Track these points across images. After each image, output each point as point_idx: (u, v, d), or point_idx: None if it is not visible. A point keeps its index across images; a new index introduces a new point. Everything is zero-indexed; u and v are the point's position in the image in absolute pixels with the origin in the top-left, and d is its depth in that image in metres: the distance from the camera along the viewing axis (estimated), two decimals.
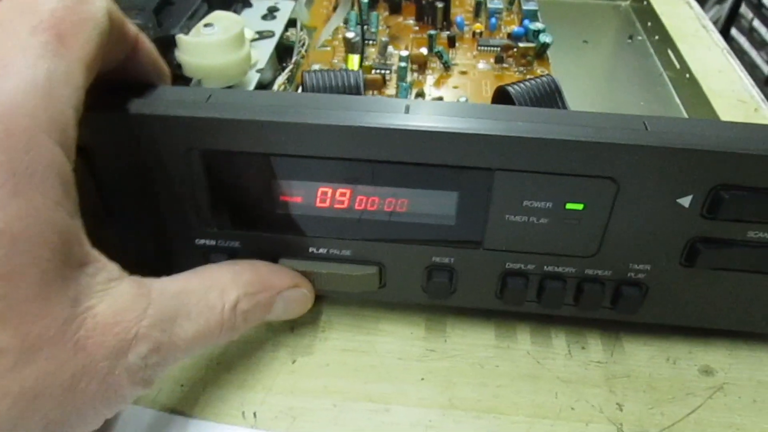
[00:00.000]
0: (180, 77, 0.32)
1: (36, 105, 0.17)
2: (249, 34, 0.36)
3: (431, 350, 0.28)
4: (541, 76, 0.30)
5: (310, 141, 0.23)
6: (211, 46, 0.31)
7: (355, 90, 0.29)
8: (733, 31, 2.00)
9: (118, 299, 0.19)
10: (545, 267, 0.26)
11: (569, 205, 0.24)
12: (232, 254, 0.26)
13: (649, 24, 0.49)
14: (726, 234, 0.24)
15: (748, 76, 0.47)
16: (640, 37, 0.48)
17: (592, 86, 0.43)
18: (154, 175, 0.24)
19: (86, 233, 0.20)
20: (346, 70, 0.29)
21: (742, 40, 1.96)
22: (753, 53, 1.91)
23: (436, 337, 0.28)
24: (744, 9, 1.97)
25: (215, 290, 0.23)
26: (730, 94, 0.44)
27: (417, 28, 0.44)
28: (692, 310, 0.27)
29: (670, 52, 0.45)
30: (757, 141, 0.22)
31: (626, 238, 0.24)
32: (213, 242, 0.26)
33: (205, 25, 0.31)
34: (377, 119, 0.22)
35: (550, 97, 0.30)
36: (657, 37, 0.47)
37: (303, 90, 0.29)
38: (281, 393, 0.26)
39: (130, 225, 0.26)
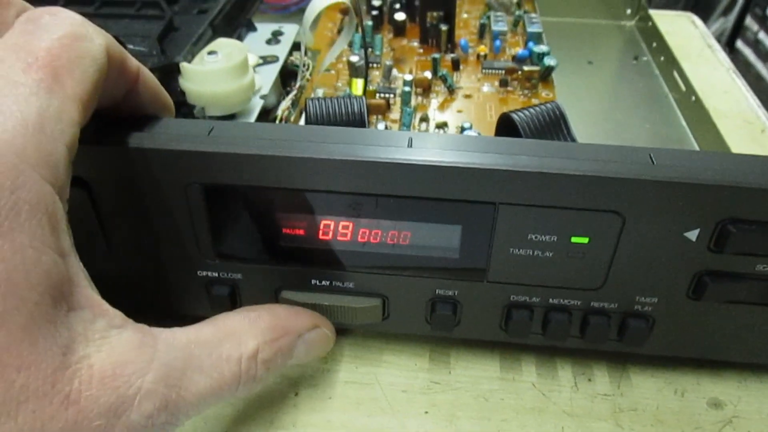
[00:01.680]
0: (184, 104, 0.32)
1: (25, 142, 0.16)
2: (252, 60, 0.36)
3: (435, 382, 0.27)
4: (546, 102, 0.30)
5: (313, 175, 0.23)
6: (214, 73, 0.30)
7: (358, 117, 0.29)
8: (739, 44, 2.00)
9: (119, 349, 0.18)
10: (550, 299, 0.25)
11: (574, 239, 0.23)
12: (233, 286, 0.26)
13: (654, 44, 0.48)
14: (733, 267, 0.23)
15: (754, 96, 0.47)
16: (645, 58, 0.48)
17: (598, 108, 0.42)
18: (156, 208, 0.24)
19: (87, 274, 0.19)
20: (349, 96, 0.29)
21: (748, 52, 1.96)
22: (759, 65, 1.90)
23: (440, 368, 0.28)
24: (750, 21, 1.96)
25: (231, 340, 0.21)
26: (736, 114, 0.44)
27: (421, 50, 0.44)
28: (700, 342, 0.26)
29: (675, 73, 0.45)
30: (763, 175, 0.21)
31: (632, 271, 0.24)
32: (215, 274, 0.26)
33: (209, 53, 0.31)
34: (380, 153, 0.22)
35: (555, 123, 0.30)
36: (662, 58, 0.47)
37: (306, 117, 0.29)
38: (283, 427, 0.26)
39: (132, 257, 0.26)
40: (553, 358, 0.28)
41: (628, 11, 0.52)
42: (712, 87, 0.47)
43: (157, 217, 0.24)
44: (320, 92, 0.39)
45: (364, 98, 0.29)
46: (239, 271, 0.26)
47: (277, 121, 0.35)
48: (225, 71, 0.31)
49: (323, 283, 0.26)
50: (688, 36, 0.54)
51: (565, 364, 0.28)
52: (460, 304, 0.26)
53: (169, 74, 0.32)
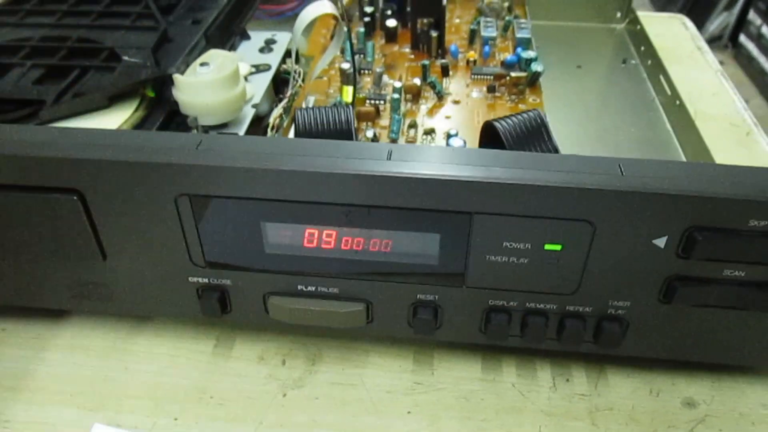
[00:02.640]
0: (177, 113, 0.33)
1: None
2: (245, 69, 0.37)
3: (418, 383, 0.28)
4: (528, 110, 0.31)
5: (297, 187, 0.24)
6: (206, 85, 0.31)
7: (345, 127, 0.30)
8: (742, 38, 1.99)
9: None
10: (527, 303, 0.26)
11: (548, 246, 0.24)
12: (223, 291, 0.27)
13: (643, 48, 0.49)
14: (701, 273, 0.24)
15: (742, 99, 0.47)
16: (634, 61, 0.49)
17: (584, 112, 0.43)
18: (147, 218, 0.25)
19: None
20: (338, 106, 0.30)
21: (751, 47, 1.95)
22: (762, 59, 1.90)
23: (423, 369, 0.29)
24: (753, 15, 1.96)
25: None
26: (723, 117, 0.45)
27: (412, 56, 0.45)
28: (673, 344, 0.27)
29: (661, 77, 0.46)
30: (727, 184, 0.22)
31: (605, 277, 0.25)
32: (205, 280, 0.27)
33: (201, 64, 0.32)
34: (360, 166, 0.23)
35: (536, 131, 0.31)
36: (650, 62, 0.48)
37: (295, 127, 0.30)
38: (271, 427, 0.27)
39: (126, 265, 0.27)
40: (532, 359, 0.29)
41: (618, 14, 0.53)
42: (699, 90, 0.47)
43: (149, 227, 0.26)
44: (312, 99, 0.40)
45: (351, 108, 0.30)
46: (228, 278, 0.27)
47: (269, 129, 0.36)
48: (217, 82, 0.32)
49: (309, 288, 0.27)
50: (678, 38, 0.55)
51: (545, 365, 0.29)
52: (440, 308, 0.27)
53: (162, 85, 0.33)
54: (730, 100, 0.47)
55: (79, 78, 0.33)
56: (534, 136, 0.30)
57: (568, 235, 0.24)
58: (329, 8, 0.35)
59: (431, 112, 0.40)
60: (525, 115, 0.31)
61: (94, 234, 0.26)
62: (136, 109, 0.33)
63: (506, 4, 0.51)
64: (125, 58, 0.34)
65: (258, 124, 0.37)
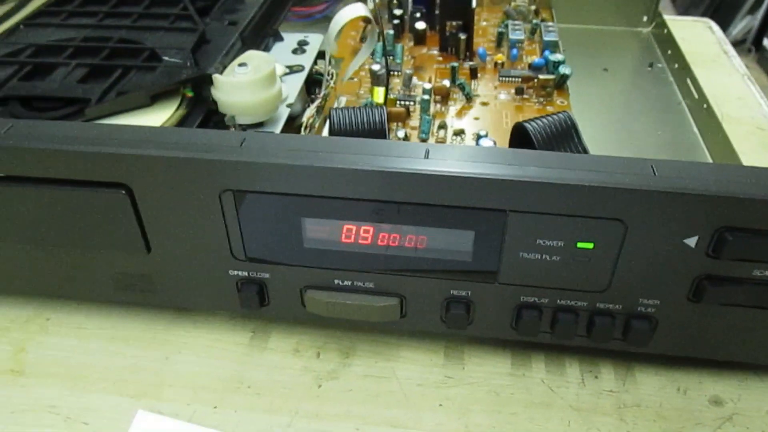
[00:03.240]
0: (216, 112, 0.34)
1: None
2: (280, 70, 0.38)
3: (449, 377, 0.29)
4: (558, 112, 0.31)
5: (336, 183, 0.24)
6: (244, 85, 0.32)
7: (379, 127, 0.31)
8: (766, 42, 1.98)
9: None
10: (558, 300, 0.27)
11: (580, 244, 0.25)
12: (262, 285, 0.28)
13: (669, 52, 0.49)
14: (731, 272, 0.25)
15: None
16: (660, 65, 0.49)
17: (611, 115, 0.44)
18: (192, 212, 0.26)
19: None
20: (371, 106, 0.31)
21: None
22: None
23: (454, 364, 0.30)
24: None
25: None
26: (749, 121, 0.45)
27: (441, 58, 0.46)
28: (701, 343, 0.28)
29: (688, 80, 0.46)
30: (756, 186, 0.23)
31: (635, 275, 0.26)
32: (245, 273, 0.28)
33: (239, 65, 0.33)
34: (399, 164, 0.24)
35: (566, 133, 0.31)
36: (676, 65, 0.48)
37: (330, 126, 0.31)
38: (307, 417, 0.28)
39: (170, 257, 0.28)
40: (561, 355, 0.30)
41: (644, 18, 0.53)
42: (726, 94, 0.48)
43: (193, 221, 0.27)
44: (343, 100, 0.41)
45: (384, 108, 0.31)
46: (267, 271, 0.28)
47: (302, 129, 0.37)
48: (254, 83, 0.33)
49: (345, 283, 0.28)
50: (704, 42, 0.55)
51: (573, 361, 0.30)
52: (473, 304, 0.28)
53: (201, 85, 0.34)
54: (757, 104, 0.47)
55: (122, 77, 0.34)
56: (564, 137, 0.31)
57: (599, 233, 0.24)
58: (363, 11, 0.36)
59: (460, 114, 0.41)
60: (555, 117, 0.32)
61: (140, 228, 0.27)
62: (177, 108, 0.34)
63: (533, 8, 0.52)
64: (165, 58, 0.35)
65: (291, 124, 0.38)
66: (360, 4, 0.36)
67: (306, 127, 0.38)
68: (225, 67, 0.35)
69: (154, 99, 0.33)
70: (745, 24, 1.98)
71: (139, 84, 0.34)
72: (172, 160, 0.25)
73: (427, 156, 0.24)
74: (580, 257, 0.25)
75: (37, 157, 0.25)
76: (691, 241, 0.24)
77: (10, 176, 0.26)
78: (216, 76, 0.33)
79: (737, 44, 2.01)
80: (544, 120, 0.31)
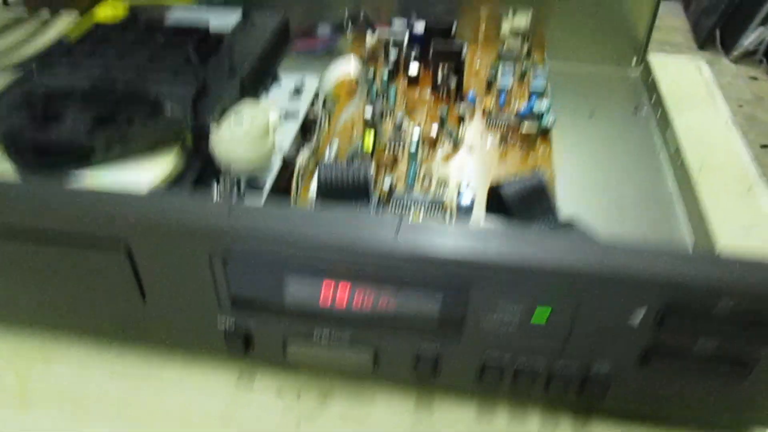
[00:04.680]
0: (213, 161, 0.37)
1: None
2: (275, 117, 0.40)
3: (419, 422, 0.32)
4: (530, 176, 0.34)
5: (314, 253, 0.27)
6: (239, 140, 0.35)
7: (363, 184, 0.34)
8: None
9: None
10: (518, 360, 0.29)
11: (535, 318, 0.27)
12: (247, 334, 0.31)
13: (654, 97, 0.51)
14: (674, 344, 0.27)
15: (749, 151, 0.49)
16: (645, 109, 0.51)
17: (592, 163, 0.46)
18: (183, 270, 0.29)
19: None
20: (357, 164, 0.34)
21: None
22: None
23: (424, 410, 0.32)
24: None
25: None
26: (727, 170, 0.47)
27: (433, 98, 0.48)
28: (652, 403, 0.30)
29: (667, 132, 0.48)
30: (696, 272, 0.25)
31: (588, 342, 0.28)
32: (232, 324, 0.31)
33: (235, 117, 0.36)
34: (369, 243, 0.26)
35: (538, 194, 0.34)
36: (660, 112, 0.50)
37: (318, 180, 0.33)
38: None
39: (163, 307, 0.31)
40: (524, 405, 0.32)
41: (634, 60, 0.55)
42: (708, 140, 0.49)
43: (185, 277, 0.29)
44: (336, 143, 0.43)
45: (369, 165, 0.34)
46: (252, 323, 0.30)
47: (295, 173, 0.39)
48: (249, 137, 0.35)
49: (323, 335, 0.30)
50: (692, 83, 0.57)
51: (535, 411, 0.32)
52: (440, 359, 0.30)
53: (201, 137, 0.36)
54: (737, 152, 0.49)
55: (127, 126, 0.37)
56: (535, 198, 0.33)
57: (554, 306, 0.27)
58: (352, 72, 0.38)
59: (446, 159, 0.43)
60: (527, 180, 0.34)
61: (136, 280, 0.30)
62: (177, 156, 0.36)
63: (525, 48, 0.54)
64: (168, 108, 0.37)
65: (286, 168, 0.40)
66: (350, 63, 0.38)
67: (299, 173, 0.40)
68: (222, 114, 0.37)
69: (155, 148, 0.36)
70: (757, 35, 1.98)
71: (142, 134, 0.36)
72: (167, 226, 0.27)
73: (397, 232, 0.27)
74: (536, 327, 0.27)
75: (46, 218, 0.28)
76: (637, 317, 0.26)
77: (20, 231, 0.29)
78: (213, 130, 0.35)
79: (748, 55, 2.01)
80: (516, 184, 0.34)
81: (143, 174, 0.35)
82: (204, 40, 0.45)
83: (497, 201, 0.34)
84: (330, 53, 0.57)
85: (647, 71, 0.54)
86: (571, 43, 0.55)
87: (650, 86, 0.52)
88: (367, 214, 0.28)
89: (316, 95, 0.45)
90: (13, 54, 0.60)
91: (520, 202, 0.34)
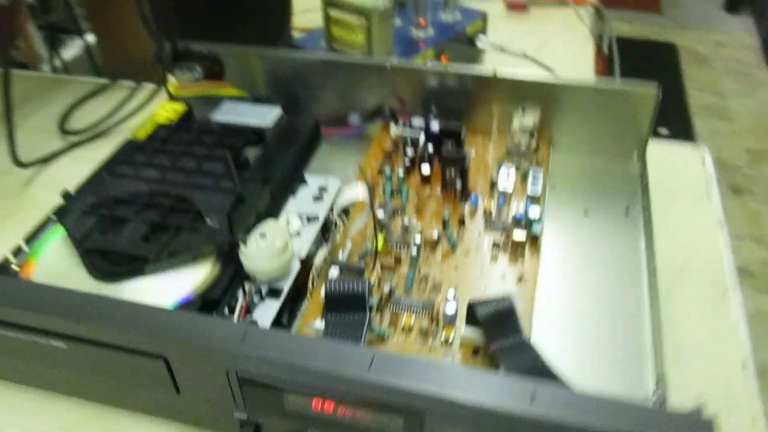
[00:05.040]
0: (242, 268, 0.44)
1: None
2: (296, 224, 0.48)
3: None
4: (504, 298, 0.40)
5: (307, 377, 0.34)
6: (262, 256, 0.42)
7: (360, 297, 0.41)
8: None
9: None
10: None
11: None
12: (257, 426, 0.38)
13: (645, 198, 0.56)
14: None
15: (731, 255, 0.54)
16: (637, 208, 0.56)
17: (576, 268, 0.51)
18: (207, 377, 0.37)
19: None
20: (357, 281, 0.41)
21: None
22: None
23: None
24: None
25: None
26: (705, 274, 0.52)
27: (442, 196, 0.55)
28: None
29: (651, 240, 0.52)
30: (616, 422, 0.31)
31: None
32: (245, 417, 0.38)
33: (261, 235, 0.43)
34: (347, 372, 0.33)
35: (506, 316, 0.40)
36: (647, 214, 0.54)
37: (325, 291, 0.41)
38: None
39: (193, 397, 0.39)
40: None
41: (635, 156, 0.60)
42: (694, 241, 0.54)
43: (211, 381, 0.37)
44: (348, 246, 0.50)
45: (367, 282, 0.41)
46: (261, 418, 0.38)
47: (311, 273, 0.47)
48: (270, 254, 0.43)
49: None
50: (691, 177, 0.61)
51: None
52: None
53: (232, 249, 0.44)
54: (719, 256, 0.53)
55: (175, 235, 0.45)
56: (505, 318, 0.40)
57: None
58: (361, 196, 0.45)
59: (445, 258, 0.49)
60: (499, 302, 0.41)
61: (172, 379, 0.38)
62: (214, 264, 0.44)
63: (533, 142, 0.59)
64: (208, 221, 0.46)
65: (305, 265, 0.48)
66: (359, 189, 0.45)
67: (317, 272, 0.47)
68: (253, 228, 0.45)
69: (196, 257, 0.44)
70: None
71: (186, 244, 0.44)
72: (194, 347, 0.35)
73: (371, 366, 0.34)
74: None
75: (104, 331, 0.36)
76: None
77: (81, 338, 0.37)
78: (241, 246, 0.43)
79: None
80: (490, 305, 0.41)
81: (185, 279, 0.43)
82: (246, 142, 0.53)
83: (474, 316, 0.41)
84: (360, 138, 0.64)
85: (644, 169, 0.58)
86: (576, 138, 0.60)
87: (644, 186, 0.57)
88: (350, 347, 0.35)
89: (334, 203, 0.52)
90: (102, 124, 0.70)
91: (491, 322, 0.41)
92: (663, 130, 2.67)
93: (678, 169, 0.62)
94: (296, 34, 0.98)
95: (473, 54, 0.93)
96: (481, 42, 0.90)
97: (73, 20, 1.04)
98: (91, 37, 1.07)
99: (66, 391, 0.44)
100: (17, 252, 0.48)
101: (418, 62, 0.73)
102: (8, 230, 0.56)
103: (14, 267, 0.45)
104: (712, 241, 0.55)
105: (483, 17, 0.91)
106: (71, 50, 1.14)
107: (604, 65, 1.17)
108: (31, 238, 0.49)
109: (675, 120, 2.75)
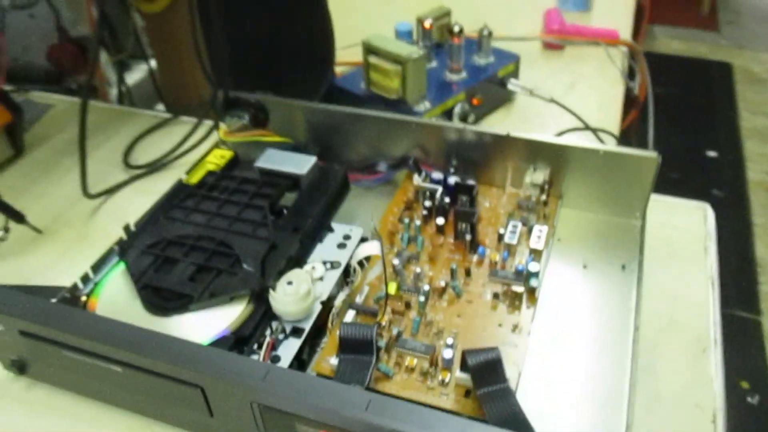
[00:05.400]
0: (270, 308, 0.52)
1: None
2: (320, 270, 0.55)
3: None
4: (492, 349, 0.47)
5: (317, 415, 0.41)
6: (288, 302, 0.50)
7: (369, 340, 0.48)
8: None
9: None
10: None
11: None
12: None
13: (641, 256, 0.61)
14: None
15: (719, 310, 0.58)
16: (633, 266, 0.61)
17: (573, 316, 0.56)
18: (237, 405, 0.44)
19: None
20: (368, 327, 0.48)
21: None
22: None
23: None
24: None
25: None
26: (690, 329, 0.56)
27: (454, 246, 0.61)
28: None
29: (639, 296, 0.57)
30: None
31: None
32: None
33: (288, 283, 0.51)
34: (348, 412, 0.40)
35: (493, 366, 0.47)
36: (641, 271, 0.59)
37: (339, 336, 0.48)
38: None
39: (223, 421, 0.46)
40: None
41: (637, 213, 0.65)
42: (684, 297, 0.59)
43: (239, 408, 0.44)
44: (366, 289, 0.56)
45: (375, 327, 0.48)
46: None
47: (331, 314, 0.54)
48: (295, 298, 0.50)
49: None
50: (690, 234, 0.65)
51: None
52: None
53: (263, 292, 0.52)
54: (707, 311, 0.58)
55: (216, 277, 0.53)
56: (491, 367, 0.46)
57: None
58: (377, 252, 0.52)
59: (450, 305, 0.56)
60: (488, 353, 0.47)
61: (207, 406, 0.45)
62: (247, 304, 0.52)
63: (543, 196, 0.65)
64: (245, 265, 0.53)
65: (326, 306, 0.55)
66: (375, 247, 0.52)
67: (336, 313, 0.54)
68: (281, 274, 0.52)
69: (233, 298, 0.52)
70: None
71: (225, 287, 0.52)
72: (226, 380, 0.43)
73: (367, 408, 0.40)
74: None
75: (152, 363, 0.44)
76: None
77: (133, 365, 0.45)
78: (271, 291, 0.50)
79: None
80: (479, 355, 0.47)
81: (222, 317, 0.50)
82: (283, 191, 0.60)
83: (466, 363, 0.47)
84: (387, 183, 0.71)
85: (643, 227, 0.63)
86: (584, 195, 0.65)
87: (642, 243, 0.62)
88: (351, 390, 0.42)
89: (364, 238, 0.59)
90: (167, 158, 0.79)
91: (479, 369, 0.47)
92: (711, 153, 2.66)
93: (679, 224, 0.66)
94: (339, 69, 1.06)
95: (504, 95, 0.98)
96: (512, 84, 0.96)
97: (140, 47, 1.14)
98: (154, 63, 1.17)
99: (119, 405, 0.52)
100: (85, 279, 0.56)
101: (440, 120, 0.80)
102: (77, 257, 0.65)
103: (82, 297, 0.54)
104: (703, 296, 0.59)
105: (515, 61, 0.97)
106: (136, 74, 1.25)
107: (638, 104, 1.21)
108: (97, 267, 0.58)
109: (725, 142, 2.72)
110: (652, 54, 3.18)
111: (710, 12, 3.52)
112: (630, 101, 1.16)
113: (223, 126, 0.71)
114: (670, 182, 2.54)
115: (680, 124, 2.83)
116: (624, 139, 1.36)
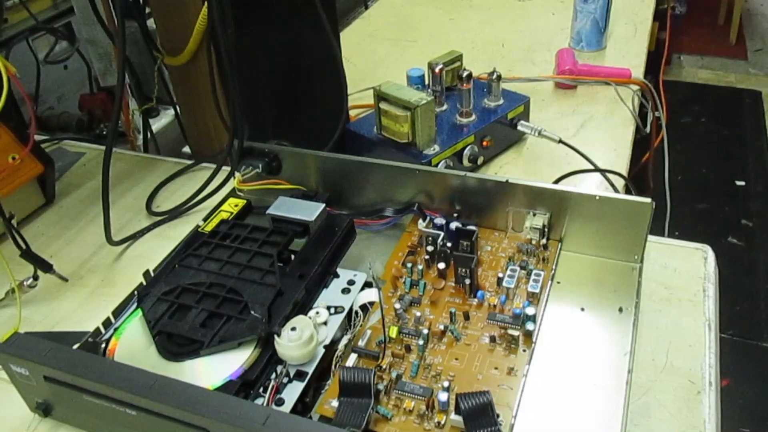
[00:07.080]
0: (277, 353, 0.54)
1: None
2: (324, 315, 0.58)
3: None
4: (484, 393, 0.49)
5: None
6: (292, 347, 0.53)
7: (367, 384, 0.50)
8: None
9: None
10: None
11: None
12: None
13: (637, 300, 0.62)
14: None
15: (712, 356, 0.59)
16: (629, 309, 0.62)
17: (568, 358, 0.58)
18: None
19: None
20: (365, 371, 0.50)
21: None
22: None
23: None
24: None
25: None
26: (686, 371, 0.58)
27: (454, 290, 0.63)
28: None
29: (634, 340, 0.58)
30: None
31: None
32: None
33: (292, 329, 0.54)
34: None
35: (485, 409, 0.49)
36: (637, 314, 0.61)
37: (340, 378, 0.51)
38: None
39: None
40: None
41: (635, 256, 0.66)
42: (680, 340, 0.60)
43: None
44: (368, 333, 0.59)
45: (372, 372, 0.50)
46: None
47: (335, 358, 0.56)
48: (299, 344, 0.53)
49: None
50: (689, 276, 0.67)
51: None
52: None
53: (269, 337, 0.55)
54: (702, 354, 0.59)
55: (225, 323, 0.56)
56: (483, 410, 0.48)
57: None
58: (375, 298, 0.55)
59: (449, 347, 0.58)
60: (479, 396, 0.49)
61: None
62: (255, 349, 0.55)
63: (543, 240, 0.67)
64: (252, 312, 0.56)
65: (329, 349, 0.57)
66: (374, 294, 0.55)
67: (339, 355, 0.57)
68: (287, 320, 0.55)
69: (241, 343, 0.55)
70: None
71: (233, 332, 0.55)
72: (228, 424, 0.45)
73: None
74: None
75: (163, 408, 0.47)
76: None
77: (146, 409, 0.48)
78: (275, 338, 0.53)
79: None
80: (472, 399, 0.49)
81: (231, 361, 0.54)
82: (291, 238, 0.64)
83: (459, 406, 0.50)
84: (394, 227, 0.74)
85: (640, 271, 0.65)
86: (583, 238, 0.67)
87: (638, 287, 0.63)
88: None
89: (367, 283, 0.62)
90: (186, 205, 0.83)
91: (471, 413, 0.49)
92: (740, 182, 2.63)
93: (678, 267, 0.68)
94: (354, 113, 1.10)
95: (514, 136, 1.01)
96: (522, 126, 0.98)
97: (167, 93, 1.19)
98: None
99: None
100: (107, 324, 0.60)
101: (443, 168, 0.84)
102: (100, 302, 0.70)
103: (102, 343, 0.57)
104: (699, 339, 0.60)
105: (525, 102, 1.00)
106: (165, 119, 1.31)
107: (651, 142, 1.23)
108: (118, 312, 0.61)
109: (753, 171, 2.69)
110: (680, 83, 3.18)
111: (738, 40, 3.51)
112: (645, 138, 1.17)
113: (237, 175, 0.75)
114: (698, 212, 2.52)
115: (708, 154, 2.81)
116: (641, 174, 1.37)
